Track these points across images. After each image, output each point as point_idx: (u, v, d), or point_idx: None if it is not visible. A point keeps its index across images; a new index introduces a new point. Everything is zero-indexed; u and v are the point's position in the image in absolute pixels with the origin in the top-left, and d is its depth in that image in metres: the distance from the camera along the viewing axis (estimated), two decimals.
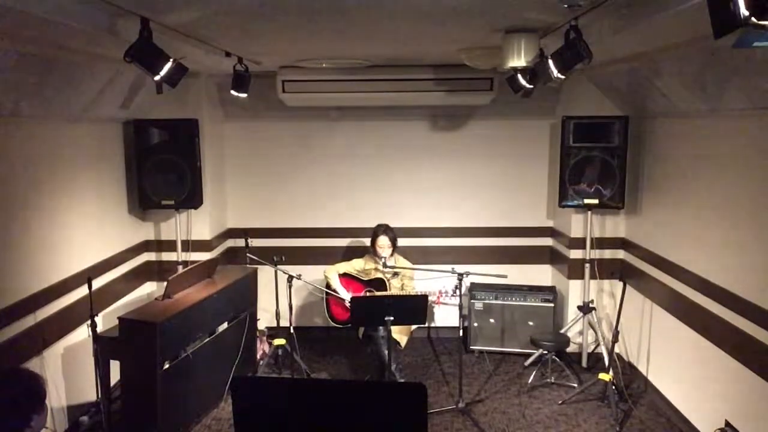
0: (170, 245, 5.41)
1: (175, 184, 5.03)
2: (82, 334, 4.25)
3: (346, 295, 4.86)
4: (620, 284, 4.40)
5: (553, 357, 5.05)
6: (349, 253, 5.68)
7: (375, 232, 5.01)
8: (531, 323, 5.46)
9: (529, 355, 5.35)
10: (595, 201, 5.00)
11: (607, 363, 4.77)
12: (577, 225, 5.40)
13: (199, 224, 5.46)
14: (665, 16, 2.56)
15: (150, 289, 5.49)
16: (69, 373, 4.16)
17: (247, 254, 5.21)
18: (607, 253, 5.38)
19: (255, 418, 2.20)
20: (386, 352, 4.27)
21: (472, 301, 5.55)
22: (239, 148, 5.94)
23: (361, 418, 2.13)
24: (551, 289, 5.61)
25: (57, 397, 4.04)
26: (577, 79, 5.14)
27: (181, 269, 5.07)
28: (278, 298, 5.09)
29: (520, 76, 4.02)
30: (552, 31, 3.29)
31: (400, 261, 5.07)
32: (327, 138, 5.92)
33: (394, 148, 5.91)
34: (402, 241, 5.13)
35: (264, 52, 4.28)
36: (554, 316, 5.46)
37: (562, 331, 5.41)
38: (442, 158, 5.90)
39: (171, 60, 3.04)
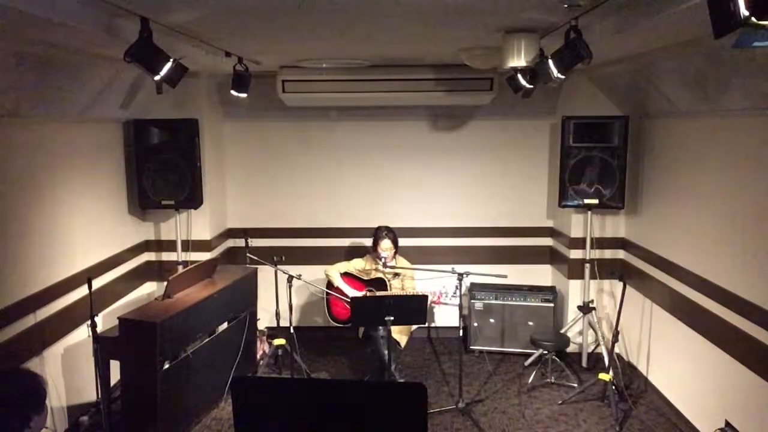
0: (170, 245, 5.41)
1: (175, 184, 5.03)
2: (82, 334, 4.25)
3: (351, 293, 4.85)
4: (620, 284, 4.40)
5: (553, 357, 5.05)
6: (350, 253, 5.67)
7: (377, 236, 4.99)
8: (531, 323, 5.46)
9: (529, 355, 5.36)
10: (595, 201, 5.00)
11: (607, 363, 4.77)
12: (577, 225, 5.40)
13: (199, 224, 5.46)
14: (665, 16, 2.56)
15: (150, 289, 5.49)
16: (69, 373, 4.16)
17: (247, 254, 5.21)
18: (607, 253, 5.39)
19: (255, 418, 2.20)
20: (386, 352, 4.27)
21: (472, 301, 5.55)
22: (239, 148, 5.94)
23: (361, 418, 2.13)
24: (551, 289, 5.61)
25: (57, 397, 4.05)
26: (577, 79, 5.15)
27: (181, 269, 5.07)
28: (278, 298, 5.09)
29: (520, 76, 4.01)
30: (552, 31, 3.29)
31: (401, 261, 5.06)
32: (327, 138, 5.92)
33: (394, 148, 5.91)
34: (402, 241, 5.13)
35: (264, 52, 4.28)
36: (554, 316, 5.46)
37: (562, 331, 5.41)
38: (442, 158, 5.90)
39: (171, 60, 3.05)
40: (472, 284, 5.55)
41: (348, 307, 4.77)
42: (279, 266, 4.87)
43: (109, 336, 3.96)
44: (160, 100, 4.24)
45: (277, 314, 5.07)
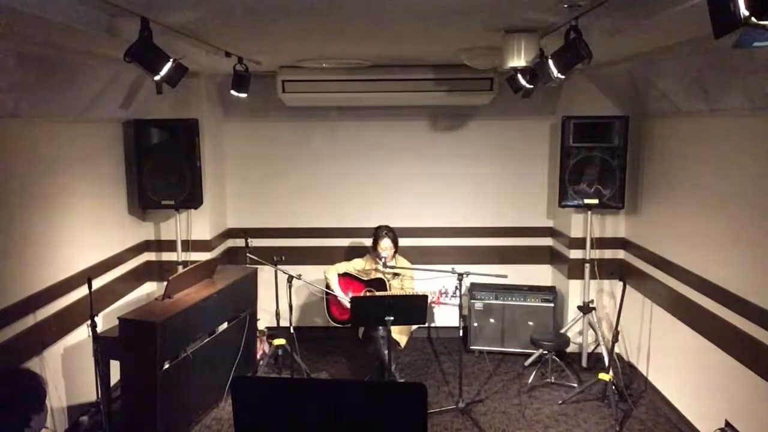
0: (170, 245, 5.41)
1: (175, 184, 5.02)
2: (82, 334, 4.25)
3: (343, 297, 4.85)
4: (620, 284, 4.40)
5: (553, 357, 5.05)
6: (350, 253, 5.68)
7: (377, 235, 4.99)
8: (531, 323, 5.46)
9: (529, 355, 5.35)
10: (595, 201, 5.00)
11: (607, 363, 4.77)
12: (577, 225, 5.40)
13: (199, 224, 5.46)
14: (665, 16, 2.56)
15: (150, 289, 5.48)
16: (69, 373, 4.16)
17: (247, 254, 5.21)
18: (607, 253, 5.38)
19: (255, 418, 2.20)
20: (386, 352, 4.27)
21: (472, 301, 5.55)
22: (239, 148, 5.94)
23: (361, 418, 2.13)
24: (551, 289, 5.61)
25: (57, 397, 4.04)
26: (577, 79, 5.14)
27: (181, 269, 5.07)
28: (278, 298, 5.09)
29: (520, 76, 4.01)
30: (552, 31, 3.29)
31: (401, 261, 5.06)
32: (327, 138, 5.92)
33: (394, 148, 5.91)
34: (402, 241, 5.13)
35: (264, 52, 4.28)
36: (554, 316, 5.46)
37: (562, 331, 5.41)
38: (442, 158, 5.90)
39: (171, 60, 3.04)
40: (472, 284, 5.55)
41: (347, 307, 4.77)
42: (279, 266, 4.87)
43: (109, 336, 3.96)
44: (160, 100, 4.25)
45: (277, 314, 5.07)
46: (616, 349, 4.89)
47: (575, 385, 4.94)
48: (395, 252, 4.99)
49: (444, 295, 4.69)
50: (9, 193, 3.58)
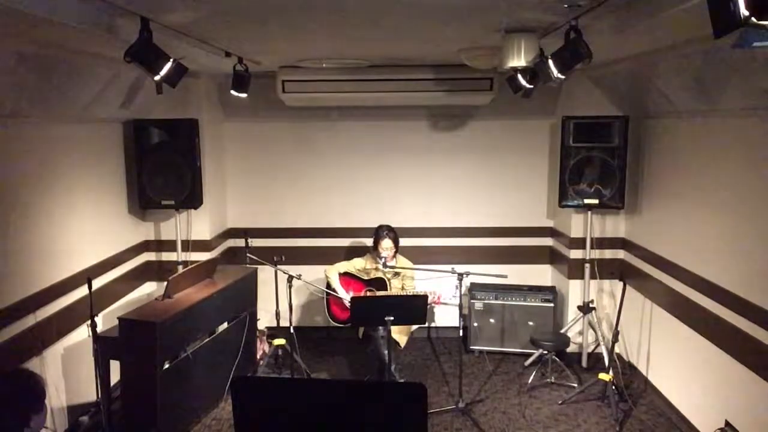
0: (170, 245, 5.41)
1: (175, 184, 5.02)
2: (82, 334, 4.25)
3: (345, 296, 4.85)
4: (620, 284, 4.40)
5: (553, 357, 5.05)
6: (350, 253, 5.67)
7: (377, 235, 4.98)
8: (531, 323, 5.46)
9: (529, 355, 5.36)
10: (595, 201, 5.00)
11: (607, 363, 4.77)
12: (577, 225, 5.40)
13: (199, 224, 5.46)
14: (665, 16, 2.56)
15: (150, 289, 5.48)
16: (69, 373, 4.16)
17: (247, 254, 5.21)
18: (607, 253, 5.38)
19: (255, 418, 2.20)
20: (386, 352, 4.27)
21: (472, 301, 5.55)
22: (239, 148, 5.94)
23: (361, 418, 2.13)
24: (551, 289, 5.61)
25: (57, 397, 4.04)
26: (577, 79, 5.14)
27: (181, 269, 5.07)
28: (278, 298, 5.09)
29: (520, 76, 4.01)
30: (552, 31, 3.29)
31: (401, 261, 5.06)
32: (327, 138, 5.92)
33: (394, 148, 5.91)
34: (402, 241, 5.13)
35: (264, 52, 4.28)
36: (554, 316, 5.46)
37: (562, 331, 5.41)
38: (442, 158, 5.90)
39: (171, 60, 3.04)
40: (472, 284, 5.55)
41: (347, 307, 4.77)
42: (279, 266, 4.87)
43: (109, 336, 3.96)
44: (160, 100, 4.23)
45: (277, 314, 5.07)
46: (616, 349, 4.89)
47: (575, 385, 4.94)
48: (396, 252, 4.99)
49: (444, 295, 4.69)
50: (8, 193, 3.58)
